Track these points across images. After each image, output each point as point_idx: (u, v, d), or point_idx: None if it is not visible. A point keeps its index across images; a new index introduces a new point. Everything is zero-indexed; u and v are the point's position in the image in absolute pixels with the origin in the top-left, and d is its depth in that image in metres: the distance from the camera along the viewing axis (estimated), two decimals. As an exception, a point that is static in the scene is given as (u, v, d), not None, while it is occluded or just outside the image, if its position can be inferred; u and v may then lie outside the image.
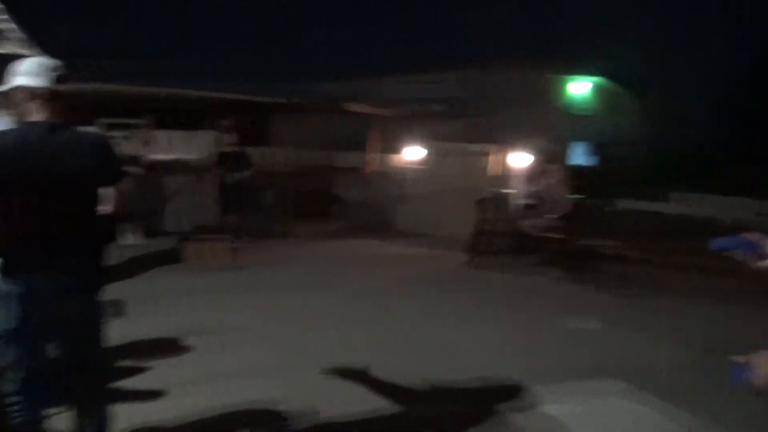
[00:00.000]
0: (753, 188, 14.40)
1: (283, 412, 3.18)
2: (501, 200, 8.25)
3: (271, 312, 5.24)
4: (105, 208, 2.28)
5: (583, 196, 8.79)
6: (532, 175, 8.20)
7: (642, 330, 5.19)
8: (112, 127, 8.90)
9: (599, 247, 8.42)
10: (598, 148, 21.95)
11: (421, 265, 7.85)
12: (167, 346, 4.13)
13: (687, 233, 8.57)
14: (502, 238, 8.57)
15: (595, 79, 21.44)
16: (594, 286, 6.87)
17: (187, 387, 3.43)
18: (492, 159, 9.76)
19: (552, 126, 18.69)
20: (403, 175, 10.66)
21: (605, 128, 22.07)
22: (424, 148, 10.52)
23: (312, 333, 4.67)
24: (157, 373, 3.67)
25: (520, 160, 9.63)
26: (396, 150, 11.28)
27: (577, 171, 12.08)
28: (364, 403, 3.34)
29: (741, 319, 5.81)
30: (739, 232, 1.59)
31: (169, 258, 7.18)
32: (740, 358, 1.40)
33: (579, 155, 20.73)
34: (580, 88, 21.01)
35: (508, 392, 3.65)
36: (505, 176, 9.55)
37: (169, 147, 10.66)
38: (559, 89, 20.56)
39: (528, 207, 7.73)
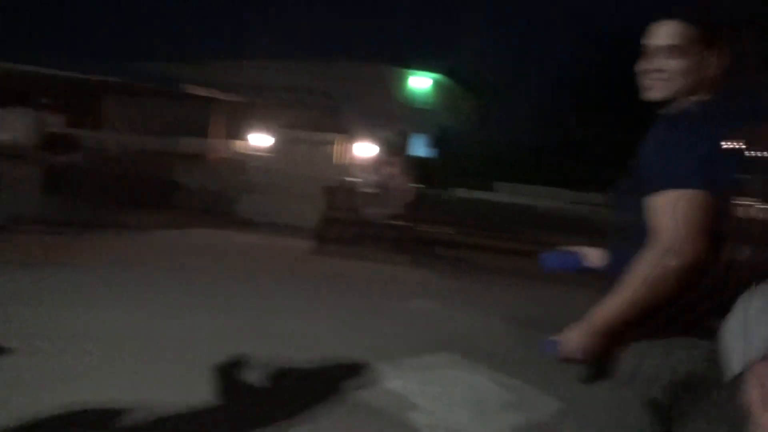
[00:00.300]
0: (567, 180, 16.33)
1: (117, 409, 3.00)
2: (347, 189, 8.44)
3: (97, 312, 4.83)
4: None
5: (422, 186, 9.31)
6: (377, 164, 8.50)
7: (475, 308, 5.69)
8: None
9: (437, 233, 9.01)
10: (436, 141, 23.28)
11: (266, 254, 7.76)
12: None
13: (510, 219, 9.51)
14: (348, 226, 8.80)
15: (435, 75, 22.67)
16: (432, 269, 7.35)
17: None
18: (338, 148, 9.95)
19: (394, 118, 19.46)
20: (248, 162, 10.42)
21: (443, 122, 23.44)
22: (271, 135, 10.39)
23: (147, 329, 4.41)
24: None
25: (365, 150, 9.93)
26: (241, 137, 11.01)
27: (417, 162, 12.76)
28: (203, 394, 3.27)
29: (557, 296, 6.60)
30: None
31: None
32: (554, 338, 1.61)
33: (419, 147, 21.84)
34: (420, 83, 22.08)
35: (352, 372, 3.79)
36: (351, 165, 9.79)
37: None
38: (402, 84, 21.41)
39: (372, 196, 8.01)
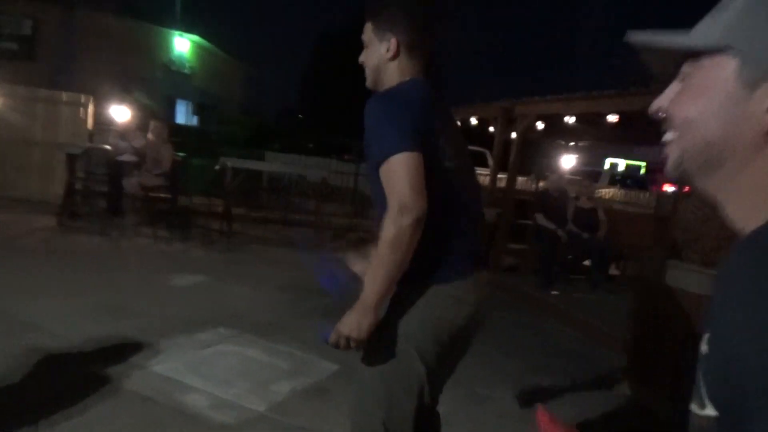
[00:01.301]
0: (329, 150, 16.94)
1: None
2: (97, 156, 7.50)
3: None
4: None
5: (184, 154, 8.75)
6: (135, 130, 7.71)
7: (244, 280, 5.58)
8: None
9: (202, 204, 8.59)
10: (198, 107, 22.11)
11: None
12: None
13: (279, 189, 9.53)
14: (99, 198, 7.87)
15: (196, 38, 21.35)
16: (198, 242, 7.01)
17: None
18: (83, 110, 8.76)
19: (153, 81, 17.88)
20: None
21: (204, 88, 22.31)
22: (-3, 92, 8.68)
23: None
24: None
25: (117, 113, 8.93)
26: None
27: (178, 129, 11.96)
28: None
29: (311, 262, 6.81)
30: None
31: None
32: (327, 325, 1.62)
33: (179, 113, 20.49)
34: (183, 46, 20.59)
35: (118, 358, 3.44)
36: (100, 130, 8.71)
37: None
38: (161, 44, 19.72)
39: (128, 164, 7.25)
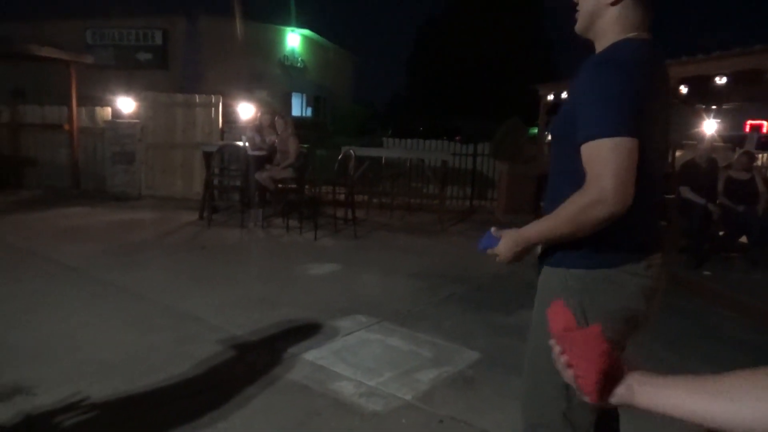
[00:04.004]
0: (440, 133, 16.76)
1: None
2: (229, 153, 7.95)
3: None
4: None
5: (307, 146, 9.03)
6: (263, 126, 8.07)
7: (374, 268, 5.64)
8: None
9: (328, 193, 8.83)
10: (312, 99, 22.80)
11: (144, 231, 7.15)
12: None
13: (399, 175, 9.55)
14: (234, 192, 8.35)
15: (309, 33, 22.00)
16: (327, 231, 7.20)
17: None
18: (217, 111, 9.30)
19: (269, 76, 18.69)
20: (113, 130, 9.44)
21: (317, 81, 22.96)
22: (139, 99, 9.46)
23: (34, 321, 3.88)
24: None
25: (243, 110, 9.40)
26: (106, 102, 9.92)
27: (300, 122, 12.39)
28: (118, 383, 2.93)
29: (457, 251, 6.76)
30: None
31: None
32: (497, 232, 1.64)
33: (295, 106, 21.27)
34: (296, 41, 21.33)
35: (268, 348, 3.60)
36: (234, 128, 9.22)
37: None
38: (277, 41, 20.55)
39: (259, 158, 7.61)
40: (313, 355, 3.49)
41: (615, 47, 1.50)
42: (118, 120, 9.45)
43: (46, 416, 2.67)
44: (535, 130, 11.47)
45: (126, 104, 9.35)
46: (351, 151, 7.42)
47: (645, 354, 3.74)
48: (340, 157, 7.51)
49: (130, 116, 9.40)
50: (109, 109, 9.76)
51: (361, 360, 3.49)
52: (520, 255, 1.60)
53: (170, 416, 2.72)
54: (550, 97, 9.33)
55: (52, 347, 3.46)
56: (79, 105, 9.50)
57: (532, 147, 9.77)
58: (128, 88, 9.90)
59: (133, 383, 3.02)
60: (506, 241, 1.59)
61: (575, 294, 1.51)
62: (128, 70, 16.37)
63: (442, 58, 29.28)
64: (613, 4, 1.51)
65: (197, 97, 9.40)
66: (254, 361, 3.41)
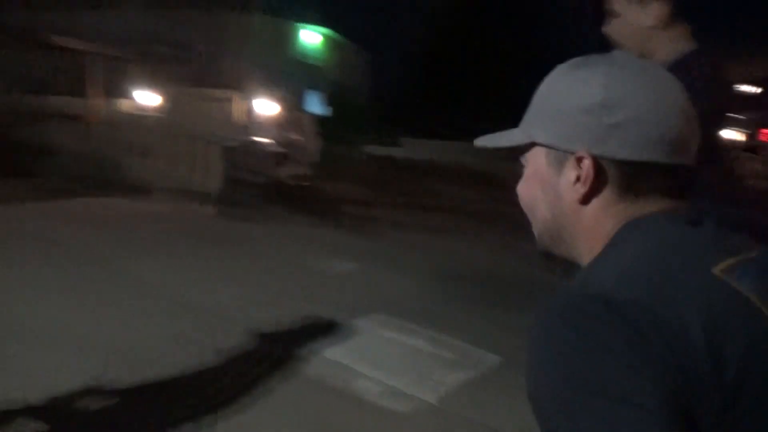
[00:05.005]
0: (459, 132, 16.70)
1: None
2: (250, 149, 7.96)
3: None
4: None
5: (325, 143, 9.03)
6: (281, 122, 8.08)
7: (391, 266, 5.62)
8: None
9: (347, 191, 8.82)
10: (330, 97, 22.80)
11: (162, 222, 7.15)
12: None
13: (415, 175, 9.53)
14: (253, 187, 8.36)
15: (324, 30, 22.02)
16: (343, 228, 7.19)
17: None
18: (236, 106, 9.33)
19: (286, 73, 18.72)
20: (134, 122, 9.49)
21: (335, 78, 22.96)
22: (158, 92, 9.51)
23: (50, 311, 3.90)
24: None
25: (265, 107, 9.42)
26: (124, 94, 9.99)
27: (316, 119, 12.40)
28: (124, 373, 2.93)
29: (472, 249, 6.72)
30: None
31: None
32: None
33: (314, 104, 21.29)
34: (311, 38, 21.36)
35: (289, 343, 3.59)
36: (252, 124, 9.24)
37: None
38: (293, 38, 20.58)
39: (279, 155, 7.61)
40: (334, 353, 3.47)
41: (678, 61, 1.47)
42: (138, 112, 9.51)
43: (61, 401, 2.67)
44: None
45: (146, 97, 9.40)
46: (367, 150, 7.41)
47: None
48: (355, 155, 7.51)
49: (150, 109, 9.45)
50: (129, 101, 9.82)
51: (382, 359, 3.47)
52: None
53: (189, 406, 2.71)
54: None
55: (65, 334, 3.46)
56: (99, 96, 9.57)
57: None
58: (149, 81, 9.96)
59: (151, 373, 3.02)
60: None
61: None
62: (150, 64, 16.48)
63: (457, 57, 29.15)
64: (662, 27, 1.50)
65: (217, 91, 9.43)
66: (275, 356, 3.40)
